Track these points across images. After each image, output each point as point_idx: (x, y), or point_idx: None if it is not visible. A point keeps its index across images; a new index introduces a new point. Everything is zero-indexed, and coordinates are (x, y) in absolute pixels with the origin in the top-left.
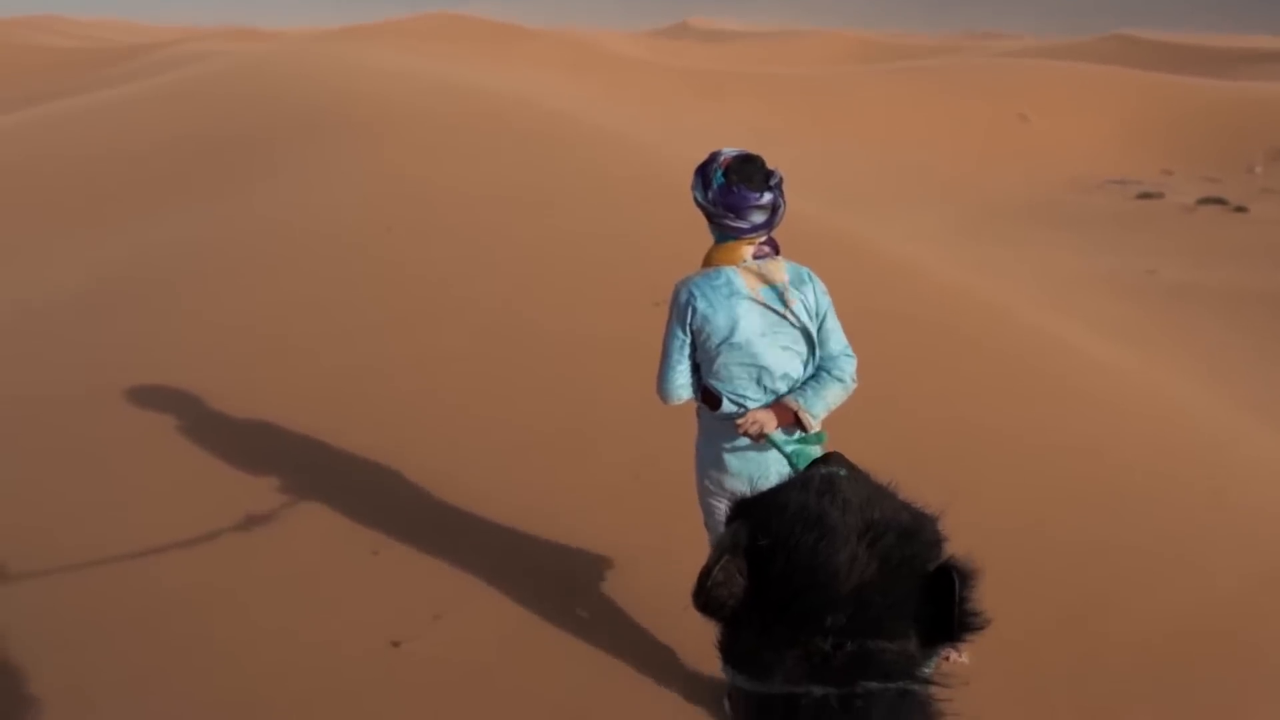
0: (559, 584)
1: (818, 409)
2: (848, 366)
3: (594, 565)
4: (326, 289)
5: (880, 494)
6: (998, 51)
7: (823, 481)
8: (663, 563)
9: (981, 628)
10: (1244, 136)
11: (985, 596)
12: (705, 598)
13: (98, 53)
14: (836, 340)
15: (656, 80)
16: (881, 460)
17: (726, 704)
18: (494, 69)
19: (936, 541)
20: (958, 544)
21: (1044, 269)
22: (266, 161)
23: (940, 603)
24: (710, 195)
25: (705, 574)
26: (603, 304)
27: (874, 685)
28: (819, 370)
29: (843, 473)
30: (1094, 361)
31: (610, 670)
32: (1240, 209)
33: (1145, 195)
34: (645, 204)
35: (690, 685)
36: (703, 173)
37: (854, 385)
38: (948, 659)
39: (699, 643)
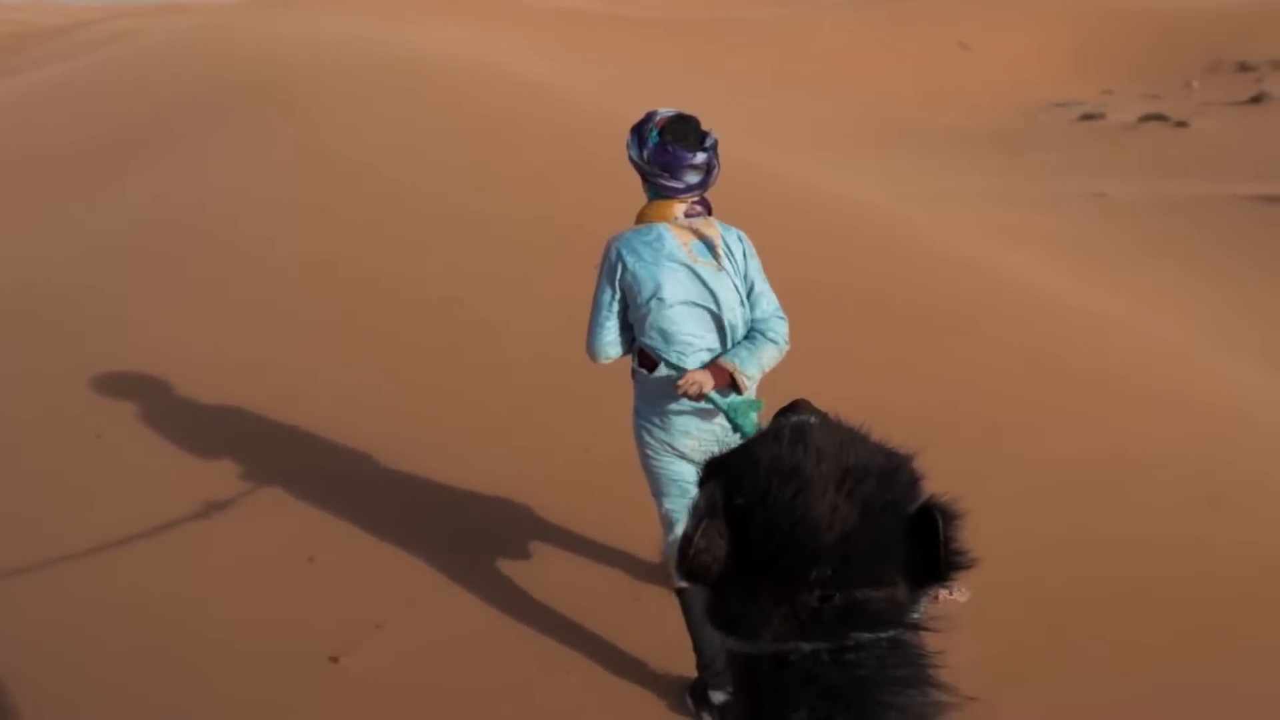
0: (508, 574)
1: (752, 370)
2: (780, 328)
3: (546, 553)
4: (248, 280)
5: (853, 438)
6: None
7: (794, 432)
8: (615, 537)
9: (969, 565)
10: (1181, 52)
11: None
12: (689, 565)
13: (16, 37)
14: (768, 301)
15: (592, 33)
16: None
17: (689, 700)
18: (420, 26)
19: (914, 481)
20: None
21: (994, 199)
22: (183, 143)
23: (925, 544)
24: (645, 154)
25: (686, 541)
26: (541, 285)
27: (865, 636)
28: (751, 331)
29: (813, 420)
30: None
31: (563, 666)
32: (1181, 124)
33: (1088, 116)
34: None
35: (651, 683)
36: (638, 132)
37: (787, 346)
38: (938, 600)
39: (654, 632)
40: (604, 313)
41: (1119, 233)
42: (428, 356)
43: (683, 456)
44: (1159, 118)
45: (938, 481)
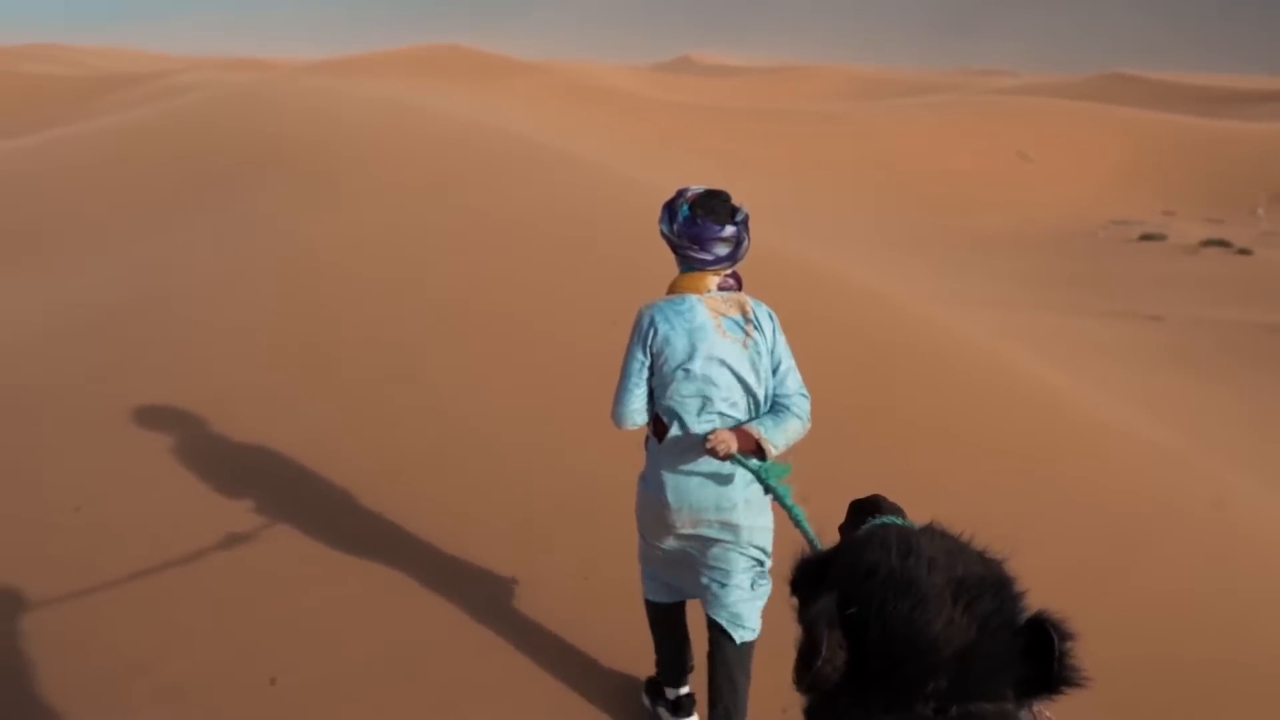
0: (450, 602)
1: (779, 440)
2: (804, 405)
3: (498, 583)
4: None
5: (957, 546)
6: (995, 89)
7: (901, 540)
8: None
9: (1081, 683)
10: (1244, 178)
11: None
12: (814, 677)
13: (92, 81)
14: (793, 379)
15: (660, 115)
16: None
17: (645, 697)
18: (481, 102)
19: (1021, 595)
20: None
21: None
22: (206, 200)
23: (1038, 658)
24: (675, 227)
25: (811, 653)
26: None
27: None
28: (776, 405)
29: (911, 524)
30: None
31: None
32: (1244, 251)
33: (1148, 236)
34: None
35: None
36: (669, 207)
37: (809, 424)
38: (1037, 711)
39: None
40: (634, 379)
41: (1167, 352)
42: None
43: (671, 528)
44: (1222, 243)
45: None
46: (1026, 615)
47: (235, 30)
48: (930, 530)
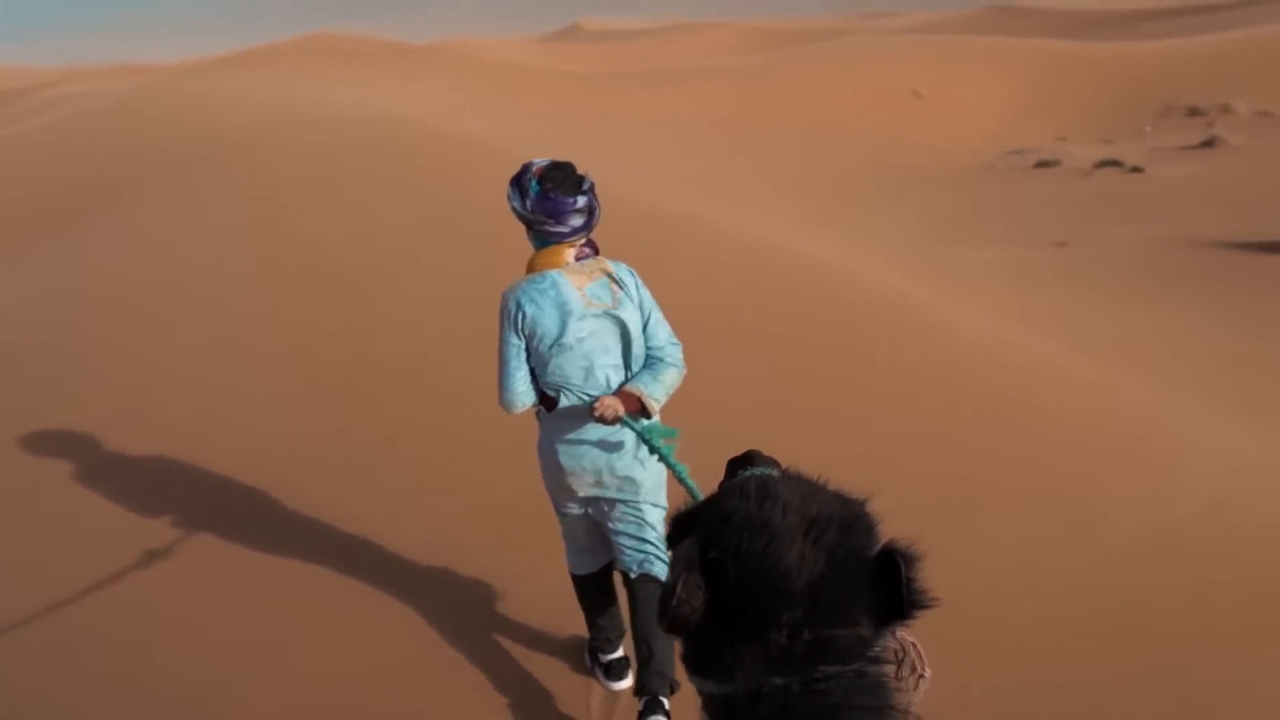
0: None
1: (659, 393)
2: (676, 353)
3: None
4: (181, 345)
5: (814, 489)
6: (888, 29)
7: (759, 486)
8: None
9: (931, 605)
10: (1133, 97)
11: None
12: (671, 617)
13: None
14: (663, 330)
15: (546, 87)
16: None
17: (587, 657)
18: (372, 89)
19: (872, 527)
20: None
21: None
22: (113, 207)
23: (888, 586)
24: (528, 204)
25: (668, 594)
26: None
27: (832, 669)
28: (651, 359)
29: (774, 473)
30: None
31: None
32: (1136, 169)
33: (1043, 163)
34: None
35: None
36: (518, 183)
37: (685, 369)
38: (898, 635)
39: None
40: (513, 362)
41: (1079, 279)
42: (370, 406)
43: (575, 494)
44: (1114, 164)
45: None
46: (878, 547)
47: (121, 38)
48: (788, 476)
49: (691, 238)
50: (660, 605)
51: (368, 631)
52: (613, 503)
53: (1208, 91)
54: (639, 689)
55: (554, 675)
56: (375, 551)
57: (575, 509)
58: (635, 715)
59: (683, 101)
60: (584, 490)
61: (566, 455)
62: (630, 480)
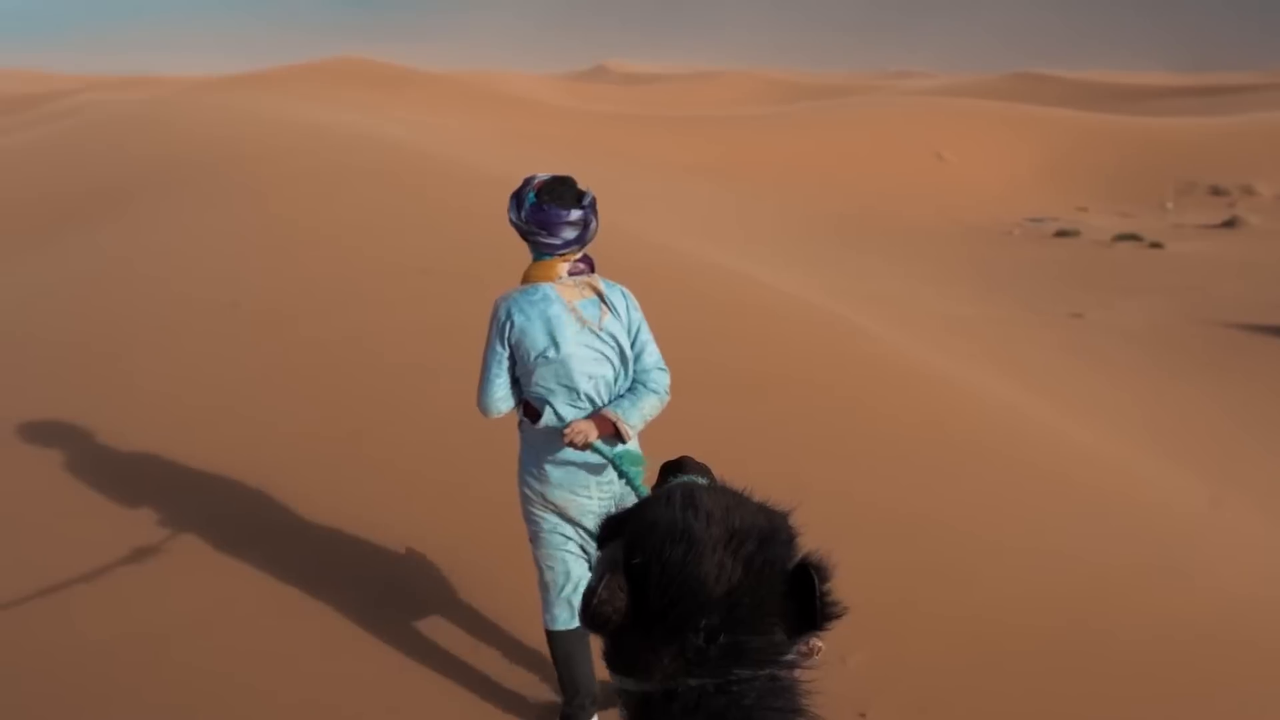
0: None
1: (635, 420)
2: (662, 380)
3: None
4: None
5: (738, 501)
6: (910, 90)
7: (684, 495)
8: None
9: (841, 615)
10: (1153, 171)
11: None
12: (591, 615)
13: None
14: (651, 354)
15: (571, 125)
16: None
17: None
18: (382, 114)
19: (791, 540)
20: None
21: (972, 314)
22: (119, 213)
23: (802, 597)
24: (523, 214)
25: (590, 593)
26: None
27: (745, 673)
28: (634, 383)
29: (703, 482)
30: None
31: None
32: (1156, 245)
33: (1062, 233)
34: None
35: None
36: (517, 196)
37: (668, 397)
38: (809, 645)
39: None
40: (494, 369)
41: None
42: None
43: (559, 510)
44: (1134, 237)
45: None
46: (796, 559)
47: (141, 49)
48: (715, 487)
49: (664, 266)
50: (582, 603)
51: (367, 636)
52: (585, 518)
53: (1229, 171)
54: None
55: (541, 670)
56: (385, 556)
57: (548, 522)
58: None
59: (699, 148)
60: (568, 506)
61: (551, 473)
62: (605, 500)
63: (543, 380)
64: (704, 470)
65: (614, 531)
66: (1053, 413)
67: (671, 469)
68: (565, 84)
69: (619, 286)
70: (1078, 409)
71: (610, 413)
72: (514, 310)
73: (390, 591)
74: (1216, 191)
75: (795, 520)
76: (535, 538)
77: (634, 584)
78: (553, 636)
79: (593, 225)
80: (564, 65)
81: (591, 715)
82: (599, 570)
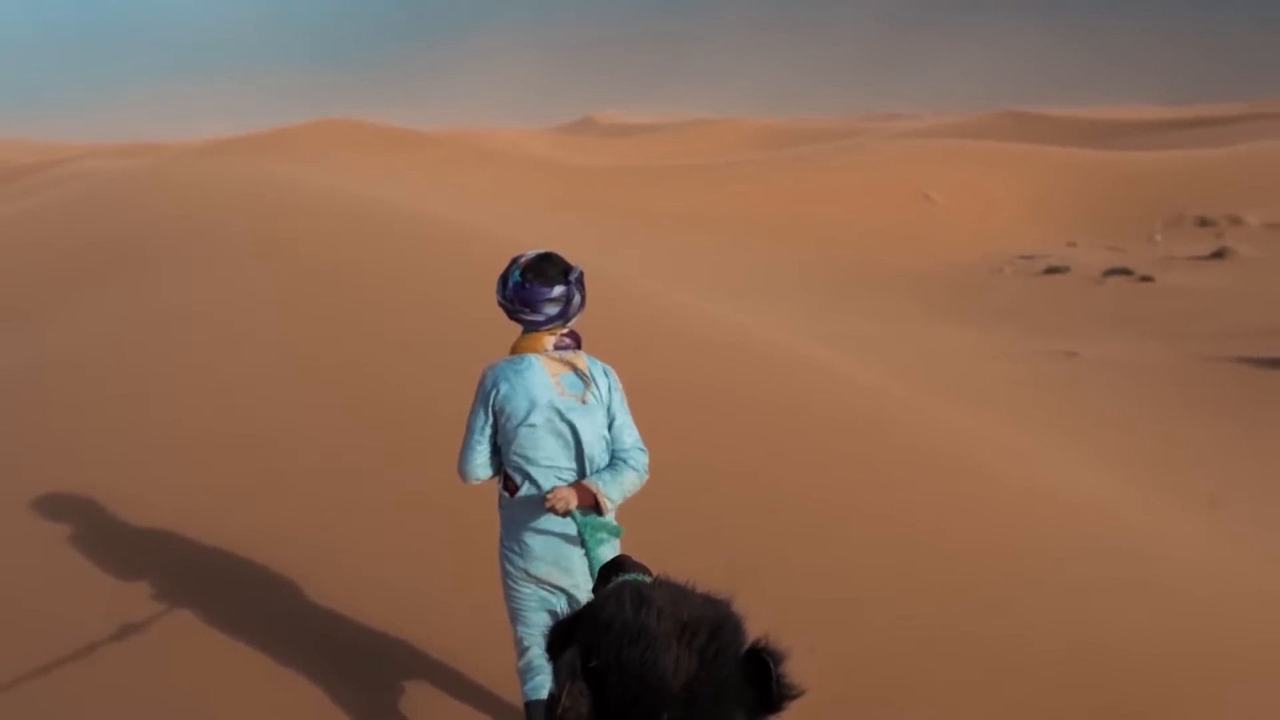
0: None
1: (614, 494)
2: (641, 459)
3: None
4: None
5: (682, 594)
6: (899, 133)
7: (633, 594)
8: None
9: (799, 696)
10: (1141, 205)
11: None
12: None
13: None
14: (629, 434)
15: (558, 179)
16: None
17: None
18: (381, 179)
19: (738, 626)
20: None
21: (962, 357)
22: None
23: (759, 682)
24: (507, 292)
25: (553, 702)
26: None
27: None
28: (614, 460)
29: (648, 579)
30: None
31: None
32: (1146, 278)
33: (1052, 269)
34: None
35: None
36: (504, 276)
37: (647, 476)
38: None
39: None
40: (476, 436)
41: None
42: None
43: (540, 583)
44: (1124, 272)
45: None
46: (747, 645)
47: (145, 115)
48: (659, 582)
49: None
50: (546, 713)
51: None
52: (566, 593)
53: (1217, 202)
54: None
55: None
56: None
57: (533, 600)
58: None
59: (685, 196)
60: (542, 573)
61: (533, 545)
62: (586, 573)
63: (521, 447)
64: (643, 568)
65: (565, 637)
66: (1056, 452)
67: (613, 569)
68: (550, 137)
69: (603, 364)
70: (1074, 446)
71: (591, 484)
72: (500, 378)
73: (371, 661)
74: (1204, 223)
75: (737, 606)
76: (517, 615)
77: (594, 686)
78: (532, 707)
79: (575, 300)
80: (553, 119)
81: None
82: (559, 679)
